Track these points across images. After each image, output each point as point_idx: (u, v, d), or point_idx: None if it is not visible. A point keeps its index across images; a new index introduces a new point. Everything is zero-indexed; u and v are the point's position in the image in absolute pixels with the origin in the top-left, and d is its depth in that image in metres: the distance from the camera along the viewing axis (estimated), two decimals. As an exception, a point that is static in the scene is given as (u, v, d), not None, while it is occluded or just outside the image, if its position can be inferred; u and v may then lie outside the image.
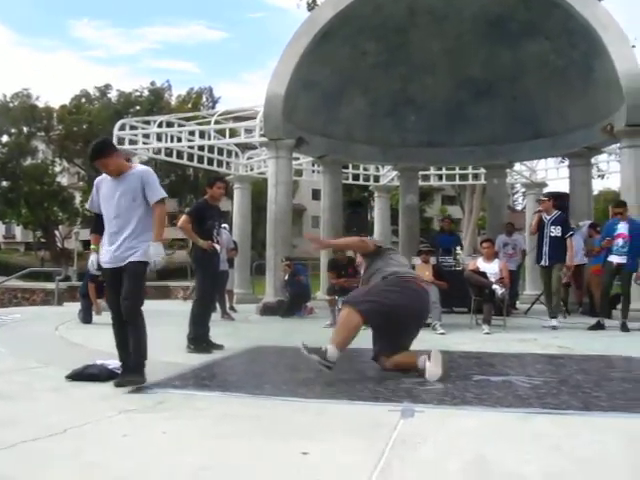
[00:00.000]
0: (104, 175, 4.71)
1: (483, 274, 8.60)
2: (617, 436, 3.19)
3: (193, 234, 6.57)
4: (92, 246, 4.90)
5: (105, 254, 4.61)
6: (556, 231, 8.91)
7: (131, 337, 4.58)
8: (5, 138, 45.63)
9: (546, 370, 5.26)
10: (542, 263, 9.05)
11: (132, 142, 13.47)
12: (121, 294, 4.52)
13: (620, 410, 3.69)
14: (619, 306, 8.95)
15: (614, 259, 8.67)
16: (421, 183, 17.41)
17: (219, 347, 6.45)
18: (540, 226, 9.08)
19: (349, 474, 2.56)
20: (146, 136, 13.65)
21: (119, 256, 4.52)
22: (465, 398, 4.02)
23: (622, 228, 8.66)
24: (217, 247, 6.76)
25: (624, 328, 8.39)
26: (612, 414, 3.61)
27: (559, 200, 10.66)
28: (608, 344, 6.96)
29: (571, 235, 9.08)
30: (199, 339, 6.42)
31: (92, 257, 4.85)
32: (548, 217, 9.04)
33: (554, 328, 8.55)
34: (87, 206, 5.10)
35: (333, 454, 2.86)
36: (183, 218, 6.78)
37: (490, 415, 3.62)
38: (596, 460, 2.79)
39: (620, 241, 8.62)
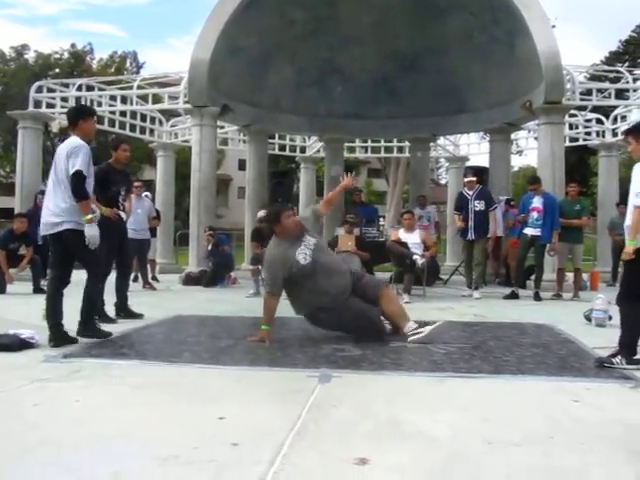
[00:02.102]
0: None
1: (404, 244, 8.76)
2: (523, 397, 3.36)
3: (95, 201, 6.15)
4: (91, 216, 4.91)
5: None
6: (480, 205, 9.17)
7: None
8: None
9: (461, 337, 5.44)
10: (468, 237, 9.25)
11: (50, 105, 12.90)
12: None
13: (527, 373, 3.87)
14: (533, 277, 9.32)
15: (529, 231, 9.00)
16: (347, 155, 17.50)
17: (139, 316, 6.33)
18: (463, 202, 9.31)
19: (265, 437, 2.59)
20: (65, 99, 13.09)
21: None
22: (382, 363, 4.12)
23: (537, 202, 8.98)
24: (122, 215, 6.37)
25: (537, 297, 8.76)
26: (519, 377, 3.78)
27: (479, 174, 10.94)
28: (521, 312, 7.25)
29: (494, 208, 9.40)
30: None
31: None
32: (471, 192, 9.28)
33: (477, 299, 8.82)
34: (81, 167, 4.85)
35: (250, 418, 2.89)
36: None
37: (405, 379, 3.73)
38: (501, 419, 2.92)
39: (535, 214, 8.94)
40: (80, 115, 5.23)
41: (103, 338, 5.04)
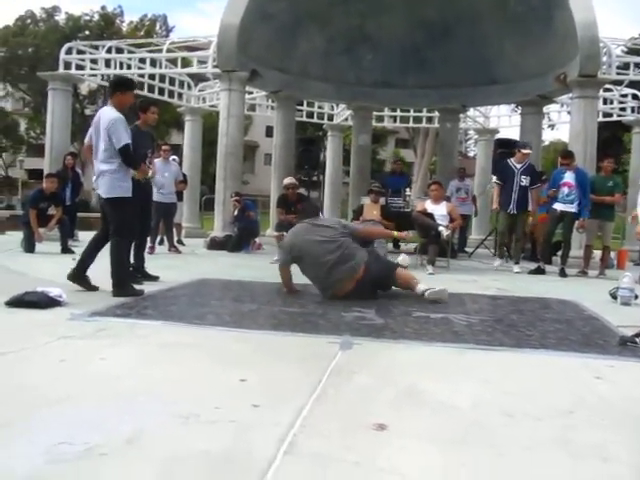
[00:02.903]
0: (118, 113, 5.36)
1: (430, 216, 8.71)
2: (544, 372, 3.34)
3: None
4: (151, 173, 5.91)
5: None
6: (526, 180, 8.97)
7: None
8: (-57, 57, 43.25)
9: (483, 310, 5.42)
10: (510, 210, 9.06)
11: (79, 67, 12.95)
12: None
13: (550, 348, 3.85)
14: (559, 253, 9.21)
15: (558, 207, 8.87)
16: (375, 124, 17.35)
17: (154, 278, 6.34)
18: (509, 174, 9.10)
19: (285, 400, 2.61)
20: (94, 62, 13.13)
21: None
22: (403, 333, 4.12)
23: (568, 177, 8.83)
24: (150, 173, 6.38)
25: (562, 273, 8.67)
26: (542, 351, 3.76)
27: (508, 147, 10.77)
28: (546, 288, 7.18)
29: (538, 187, 9.20)
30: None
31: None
32: (519, 166, 9.06)
33: (517, 273, 8.76)
34: (127, 139, 5.27)
35: (271, 381, 2.92)
36: None
37: (426, 349, 3.73)
38: (522, 392, 2.92)
39: (565, 189, 8.81)
40: (118, 88, 5.51)
41: (138, 296, 5.28)
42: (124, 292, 5.27)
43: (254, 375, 2.98)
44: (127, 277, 5.57)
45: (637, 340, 3.99)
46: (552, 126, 22.98)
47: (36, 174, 32.15)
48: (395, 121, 18.86)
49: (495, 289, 6.90)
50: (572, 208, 8.74)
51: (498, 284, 7.34)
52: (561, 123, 18.89)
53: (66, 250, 8.90)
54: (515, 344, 3.92)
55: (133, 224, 5.68)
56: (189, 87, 15.49)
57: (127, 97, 5.52)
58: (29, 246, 9.15)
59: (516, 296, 6.36)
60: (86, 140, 5.64)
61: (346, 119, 17.29)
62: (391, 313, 4.85)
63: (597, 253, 9.63)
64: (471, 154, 46.51)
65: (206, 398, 2.60)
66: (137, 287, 5.56)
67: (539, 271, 8.83)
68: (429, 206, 8.99)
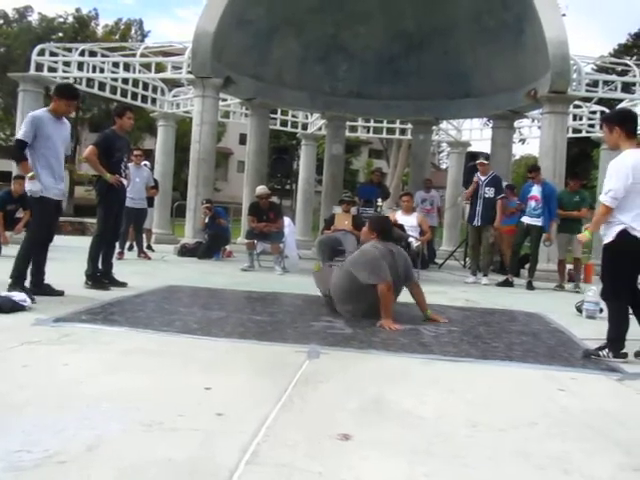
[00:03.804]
0: (45, 113, 5.43)
1: (401, 227, 8.76)
2: (509, 383, 3.38)
3: (99, 166, 6.20)
4: (32, 174, 5.34)
5: (54, 188, 5.44)
6: (490, 192, 9.06)
7: (45, 255, 5.56)
8: None
9: (452, 320, 5.45)
10: (475, 223, 9.15)
11: (51, 69, 12.77)
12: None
13: (515, 360, 3.89)
14: (527, 266, 9.31)
15: (525, 220, 8.98)
16: (348, 134, 17.43)
17: (122, 284, 6.28)
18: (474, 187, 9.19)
19: (250, 408, 2.60)
20: (67, 64, 12.97)
21: (63, 191, 5.64)
22: (372, 343, 4.13)
23: (535, 191, 8.96)
24: (124, 182, 6.42)
25: (529, 286, 8.78)
26: (507, 363, 3.80)
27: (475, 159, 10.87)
28: (513, 300, 7.25)
29: (503, 197, 9.24)
30: (97, 275, 6.22)
31: (36, 183, 5.36)
32: (483, 178, 9.16)
33: (485, 285, 8.82)
34: (21, 136, 5.28)
35: (236, 390, 2.90)
36: (89, 149, 6.32)
37: (393, 359, 3.74)
38: (486, 403, 2.94)
39: (533, 203, 8.92)
40: (56, 93, 5.59)
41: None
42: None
43: (219, 383, 2.96)
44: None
45: (600, 353, 4.05)
46: (523, 140, 23.33)
47: (5, 176, 31.64)
48: (368, 131, 18.94)
49: (464, 301, 6.96)
50: (538, 222, 8.85)
51: (467, 296, 7.40)
52: (532, 138, 19.21)
53: None
54: (481, 355, 3.95)
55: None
56: (163, 92, 15.39)
57: (61, 105, 5.49)
58: (-6, 249, 8.99)
59: (484, 308, 6.42)
60: None
61: (320, 128, 17.32)
62: (360, 323, 4.85)
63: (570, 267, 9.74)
64: (443, 166, 46.92)
65: (170, 406, 2.58)
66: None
67: (507, 283, 8.92)
68: (400, 217, 9.05)
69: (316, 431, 2.38)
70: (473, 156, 11.52)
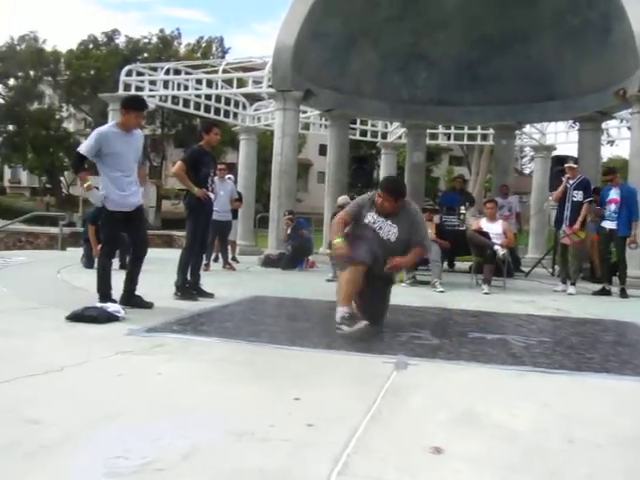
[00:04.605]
0: (111, 128, 5.50)
1: (486, 234, 8.59)
2: (607, 396, 3.23)
3: (188, 181, 6.37)
4: (90, 182, 5.43)
5: (121, 198, 5.43)
6: (578, 196, 8.70)
7: (138, 269, 5.69)
8: (12, 82, 45.07)
9: (542, 331, 5.29)
10: (563, 228, 8.84)
11: (138, 89, 13.32)
12: (137, 234, 5.70)
13: (613, 372, 3.72)
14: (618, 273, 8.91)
15: (607, 224, 8.64)
16: (429, 142, 17.25)
17: (209, 295, 6.44)
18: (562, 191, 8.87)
19: (339, 420, 2.59)
20: (153, 83, 13.50)
21: (133, 202, 5.51)
22: (459, 354, 4.06)
23: (614, 194, 8.60)
24: (211, 196, 6.60)
25: (623, 294, 8.41)
26: (604, 375, 3.64)
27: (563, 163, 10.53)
28: (606, 309, 6.98)
29: (590, 201, 8.80)
30: (186, 287, 6.42)
31: (95, 193, 5.47)
32: (571, 182, 8.81)
33: (570, 294, 8.44)
34: (83, 150, 5.39)
35: (325, 401, 2.90)
36: (178, 165, 6.54)
37: (483, 371, 3.66)
38: (583, 417, 2.83)
39: (612, 206, 8.57)
40: (124, 106, 5.62)
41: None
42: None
43: (308, 394, 2.97)
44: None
45: None
46: (611, 142, 22.43)
47: (96, 192, 33.12)
48: (449, 138, 18.72)
49: (554, 310, 6.73)
50: (617, 225, 8.49)
51: (557, 305, 7.16)
52: (621, 139, 18.41)
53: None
54: (575, 367, 3.80)
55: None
56: (244, 107, 15.74)
57: (130, 118, 5.51)
58: (89, 262, 9.37)
59: (575, 317, 6.19)
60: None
61: (400, 137, 17.25)
62: (446, 333, 4.79)
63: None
64: (527, 171, 45.78)
65: (260, 416, 2.61)
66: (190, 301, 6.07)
67: (604, 292, 8.55)
68: (484, 224, 8.86)
69: (406, 443, 2.36)
70: (560, 160, 11.15)
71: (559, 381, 3.49)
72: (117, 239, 5.91)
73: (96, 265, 5.84)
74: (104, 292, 5.49)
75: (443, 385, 3.30)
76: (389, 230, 4.82)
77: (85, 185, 5.42)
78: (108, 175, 5.43)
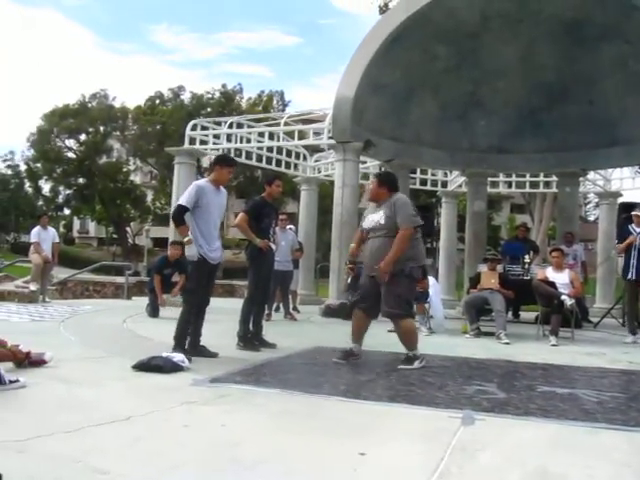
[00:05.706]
0: (206, 183, 5.76)
1: (552, 284, 8.36)
2: (690, 456, 3.05)
3: (250, 232, 6.50)
4: (190, 237, 5.62)
5: (209, 252, 5.65)
6: None
7: (202, 319, 5.83)
8: (83, 137, 47.26)
9: (614, 385, 5.07)
10: (629, 277, 8.49)
11: (203, 142, 13.72)
12: (208, 286, 5.88)
13: (694, 430, 3.52)
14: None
15: None
16: (490, 190, 17.08)
17: (271, 346, 6.45)
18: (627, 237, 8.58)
19: (407, 476, 2.53)
20: (216, 137, 13.89)
21: (217, 256, 5.77)
22: (528, 409, 3.91)
23: None
24: (272, 246, 6.69)
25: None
26: (685, 433, 3.44)
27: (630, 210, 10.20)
28: (683, 362, 6.64)
29: None
30: (249, 337, 6.46)
31: (193, 247, 5.67)
32: (638, 230, 8.54)
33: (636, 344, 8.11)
34: (183, 201, 5.63)
35: (391, 456, 2.84)
36: (240, 216, 6.68)
37: (554, 427, 3.51)
38: (667, 479, 2.67)
39: None
40: (217, 162, 5.97)
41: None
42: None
43: (373, 448, 2.91)
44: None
45: None
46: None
47: (161, 242, 34.01)
48: (510, 186, 18.49)
49: (626, 363, 6.44)
50: None
51: (629, 357, 6.85)
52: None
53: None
54: (655, 425, 3.61)
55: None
56: (305, 158, 15.98)
57: (223, 173, 5.82)
58: (153, 311, 9.56)
59: (650, 371, 5.91)
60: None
61: (460, 185, 17.15)
62: (514, 387, 4.64)
63: None
64: (591, 218, 44.73)
65: (325, 470, 2.57)
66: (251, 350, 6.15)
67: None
68: (550, 274, 8.63)
69: (478, 504, 2.27)
70: (627, 207, 10.83)
71: (637, 439, 3.32)
72: (205, 289, 5.99)
73: (178, 314, 5.86)
74: (179, 342, 5.58)
75: (513, 442, 3.18)
76: (380, 215, 5.62)
77: (186, 240, 5.65)
78: (199, 228, 5.63)
